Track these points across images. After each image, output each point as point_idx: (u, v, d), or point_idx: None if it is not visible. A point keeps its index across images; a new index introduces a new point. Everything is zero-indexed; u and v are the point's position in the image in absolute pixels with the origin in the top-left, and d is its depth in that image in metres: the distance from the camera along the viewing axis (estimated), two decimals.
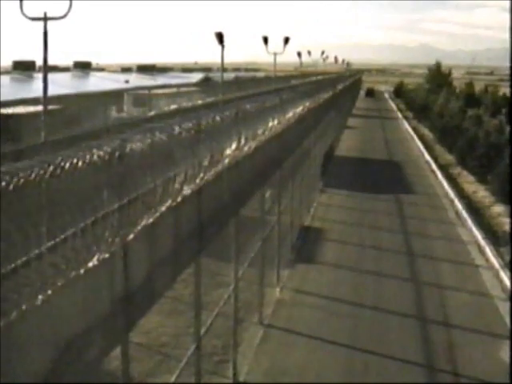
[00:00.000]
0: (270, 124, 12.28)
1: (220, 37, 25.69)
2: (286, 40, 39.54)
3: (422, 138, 56.72)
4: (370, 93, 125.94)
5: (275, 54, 39.70)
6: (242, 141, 9.83)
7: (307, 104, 20.26)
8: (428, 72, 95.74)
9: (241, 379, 13.42)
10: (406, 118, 79.34)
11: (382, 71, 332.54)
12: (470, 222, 25.93)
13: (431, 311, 17.39)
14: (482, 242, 22.98)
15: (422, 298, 18.38)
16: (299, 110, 17.08)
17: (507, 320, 16.66)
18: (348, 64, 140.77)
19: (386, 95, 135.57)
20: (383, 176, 37.83)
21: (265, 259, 18.26)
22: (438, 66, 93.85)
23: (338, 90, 42.28)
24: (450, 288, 19.09)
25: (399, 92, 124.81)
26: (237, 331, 13.76)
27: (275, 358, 14.38)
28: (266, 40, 38.88)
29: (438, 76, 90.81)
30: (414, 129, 64.65)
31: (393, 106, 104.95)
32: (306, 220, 26.30)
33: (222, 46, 25.78)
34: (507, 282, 18.96)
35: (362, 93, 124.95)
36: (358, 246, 23.21)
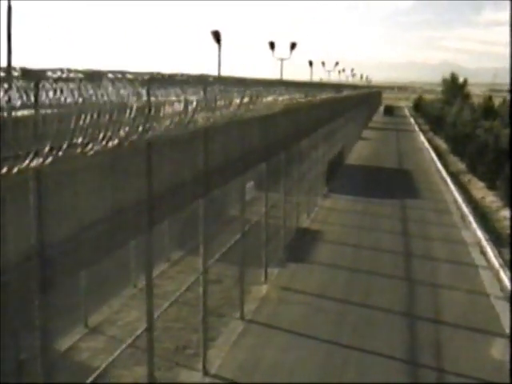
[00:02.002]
0: (237, 100, 11.71)
1: (217, 36, 25.23)
2: (293, 45, 39.04)
3: (435, 148, 55.85)
4: (389, 110, 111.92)
5: (282, 60, 39.28)
6: (192, 106, 9.28)
7: (297, 96, 19.64)
8: (443, 83, 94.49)
9: (212, 372, 12.80)
10: (422, 130, 78.40)
11: (403, 88, 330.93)
12: (474, 224, 25.09)
13: (423, 309, 16.62)
14: (484, 243, 22.17)
15: (415, 296, 17.61)
16: (283, 98, 16.46)
17: (502, 318, 15.87)
18: (367, 79, 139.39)
19: (406, 110, 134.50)
20: (392, 183, 37.11)
21: (252, 257, 17.78)
22: (452, 77, 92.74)
23: (343, 95, 41.57)
24: (445, 287, 18.31)
25: (418, 107, 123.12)
26: (207, 323, 13.16)
27: (250, 353, 13.74)
28: (272, 46, 38.39)
29: (454, 87, 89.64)
30: (429, 140, 63.75)
31: (411, 119, 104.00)
32: (305, 222, 25.69)
33: (219, 45, 25.30)
34: (506, 281, 18.16)
35: (382, 110, 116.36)
36: (356, 247, 22.51)
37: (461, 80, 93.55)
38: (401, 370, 13.08)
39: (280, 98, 16.03)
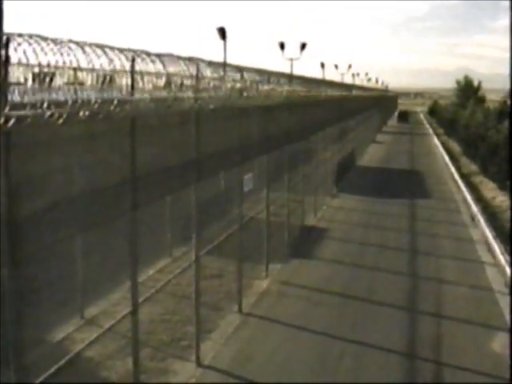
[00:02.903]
0: (229, 85, 11.55)
1: (222, 32, 25.13)
2: (303, 46, 38.85)
3: (449, 151, 55.40)
4: (404, 116, 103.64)
5: (292, 60, 39.04)
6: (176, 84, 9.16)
7: (299, 89, 19.42)
8: (457, 85, 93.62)
9: (205, 363, 12.60)
10: (436, 134, 77.90)
11: (420, 94, 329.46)
12: (482, 223, 24.71)
13: (425, 303, 16.32)
14: (492, 241, 21.78)
15: (418, 291, 17.33)
16: (282, 89, 16.24)
17: (506, 313, 15.55)
18: (383, 84, 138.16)
19: (421, 115, 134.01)
20: (402, 183, 36.83)
21: (254, 253, 17.72)
22: (466, 79, 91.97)
23: (353, 95, 41.23)
24: (449, 282, 18.01)
25: (433, 111, 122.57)
26: (199, 313, 12.94)
27: (246, 345, 13.54)
28: (282, 46, 38.21)
29: (467, 89, 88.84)
30: (443, 143, 63.26)
31: (425, 124, 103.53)
32: (312, 221, 25.44)
33: (225, 42, 25.19)
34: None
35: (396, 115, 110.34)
36: (361, 244, 22.24)
37: (475, 84, 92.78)
38: (397, 362, 12.82)
39: (279, 89, 15.81)
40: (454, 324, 14.88)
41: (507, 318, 15.23)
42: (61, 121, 6.32)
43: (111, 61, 7.87)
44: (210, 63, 11.99)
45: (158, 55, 9.13)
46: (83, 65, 7.21)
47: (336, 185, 33.17)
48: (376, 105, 71.09)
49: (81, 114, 6.60)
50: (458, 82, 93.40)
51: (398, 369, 12.50)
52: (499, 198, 31.72)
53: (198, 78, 11.18)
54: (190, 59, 10.80)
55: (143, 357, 12.83)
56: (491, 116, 52.23)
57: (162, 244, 19.55)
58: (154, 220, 19.99)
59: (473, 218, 26.54)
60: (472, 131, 47.94)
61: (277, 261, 19.18)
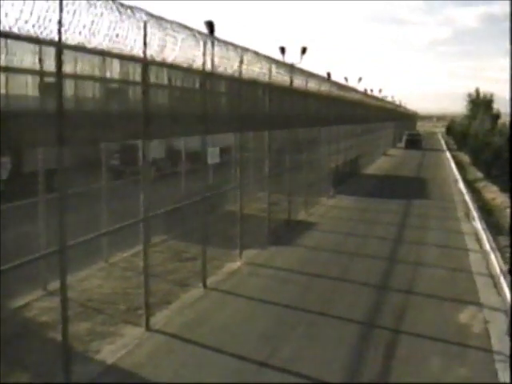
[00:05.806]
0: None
1: (210, 26, 24.94)
2: (304, 50, 38.74)
3: (458, 162, 54.83)
4: (414, 141, 77.03)
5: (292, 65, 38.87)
6: None
7: (297, 81, 18.93)
8: (468, 98, 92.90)
9: (155, 328, 12.27)
10: (449, 148, 77.36)
11: (442, 118, 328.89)
12: (475, 217, 24.22)
13: (400, 283, 15.80)
14: (481, 232, 21.33)
15: (394, 273, 16.84)
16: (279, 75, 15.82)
17: (480, 291, 15.08)
18: (400, 103, 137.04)
19: (439, 135, 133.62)
20: (404, 187, 36.35)
21: (231, 239, 17.51)
22: (477, 92, 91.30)
23: (355, 99, 40.77)
24: (429, 265, 17.52)
25: (450, 129, 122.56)
26: (148, 284, 12.57)
27: (201, 313, 13.17)
28: (282, 50, 38.12)
29: (479, 103, 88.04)
30: (454, 156, 62.71)
31: (441, 140, 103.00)
32: (301, 216, 25.00)
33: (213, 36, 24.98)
34: (494, 260, 17.38)
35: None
36: (347, 235, 21.80)
37: (476, 89, 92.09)
38: (352, 329, 12.38)
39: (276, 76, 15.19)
40: (425, 299, 14.38)
41: (481, 295, 14.75)
42: None
43: None
44: (160, 20, 11.73)
45: None
46: None
47: (334, 187, 32.74)
48: (390, 119, 70.57)
49: None
50: (469, 95, 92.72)
51: (352, 336, 12.04)
52: (499, 199, 31.17)
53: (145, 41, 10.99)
54: (132, 9, 10.56)
55: (96, 322, 12.63)
56: (502, 125, 51.71)
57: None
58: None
59: (467, 214, 26.01)
60: (480, 139, 47.43)
61: (254, 247, 18.84)
